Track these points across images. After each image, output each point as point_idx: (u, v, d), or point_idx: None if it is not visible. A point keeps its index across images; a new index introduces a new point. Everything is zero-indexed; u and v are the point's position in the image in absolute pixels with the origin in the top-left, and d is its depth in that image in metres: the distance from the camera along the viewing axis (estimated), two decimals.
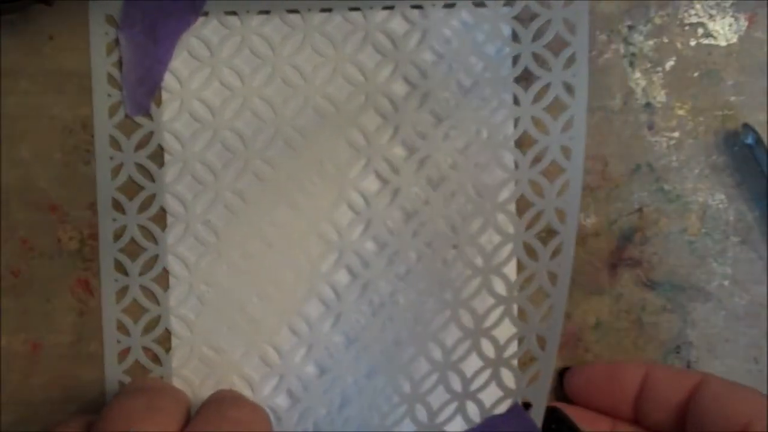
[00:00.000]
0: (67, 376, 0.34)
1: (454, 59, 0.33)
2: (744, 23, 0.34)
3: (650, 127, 0.34)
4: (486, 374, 0.32)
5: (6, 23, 0.34)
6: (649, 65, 0.34)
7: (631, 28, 0.34)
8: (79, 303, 0.34)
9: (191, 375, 0.33)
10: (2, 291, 0.34)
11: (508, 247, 0.32)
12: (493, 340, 0.32)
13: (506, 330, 0.32)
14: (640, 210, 0.34)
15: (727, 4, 0.34)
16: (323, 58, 0.33)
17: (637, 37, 0.34)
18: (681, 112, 0.34)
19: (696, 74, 0.34)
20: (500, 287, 0.32)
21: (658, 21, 0.34)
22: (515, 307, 0.32)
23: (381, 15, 0.33)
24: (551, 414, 0.31)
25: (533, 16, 0.32)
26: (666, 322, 0.34)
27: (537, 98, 0.32)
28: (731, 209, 0.34)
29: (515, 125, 0.33)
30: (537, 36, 0.32)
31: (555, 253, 0.32)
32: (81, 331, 0.34)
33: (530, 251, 0.32)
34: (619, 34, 0.34)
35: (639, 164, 0.34)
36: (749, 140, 0.33)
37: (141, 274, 0.33)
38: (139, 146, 0.33)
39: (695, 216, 0.34)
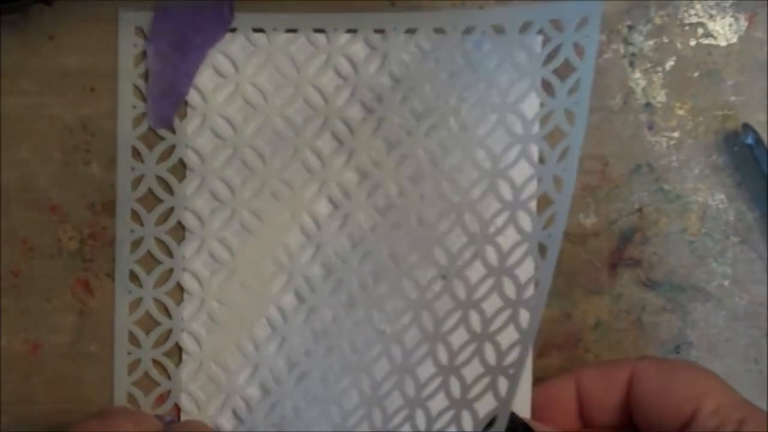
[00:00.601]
0: (67, 376, 0.34)
1: (465, 85, 0.32)
2: (744, 23, 0.34)
3: (650, 127, 0.34)
4: (449, 415, 0.30)
5: (6, 23, 0.34)
6: (649, 65, 0.34)
7: (631, 28, 0.34)
8: (79, 303, 0.34)
9: (198, 391, 0.33)
10: (2, 291, 0.34)
11: (490, 281, 0.31)
12: (461, 379, 0.31)
13: (474, 369, 0.30)
14: (640, 210, 0.34)
15: (727, 4, 0.34)
16: (343, 80, 0.33)
17: (637, 37, 0.34)
18: (681, 112, 0.34)
19: (696, 74, 0.34)
20: (476, 323, 0.31)
21: (658, 21, 0.34)
22: (487, 346, 0.30)
23: (401, 39, 0.33)
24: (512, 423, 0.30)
25: (545, 41, 0.31)
26: (666, 322, 0.34)
27: (541, 125, 0.31)
28: (731, 209, 0.34)
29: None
30: (546, 61, 0.31)
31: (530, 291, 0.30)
32: (81, 331, 0.34)
33: (509, 287, 0.31)
34: (619, 34, 0.34)
35: (639, 164, 0.34)
36: (749, 140, 0.33)
37: (155, 286, 0.33)
38: (161, 159, 0.33)
39: (695, 216, 0.34)
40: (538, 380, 0.32)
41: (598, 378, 0.31)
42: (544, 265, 0.29)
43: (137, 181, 0.33)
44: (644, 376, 0.30)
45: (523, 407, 0.32)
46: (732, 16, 0.34)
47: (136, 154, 0.33)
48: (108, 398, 0.34)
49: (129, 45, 0.33)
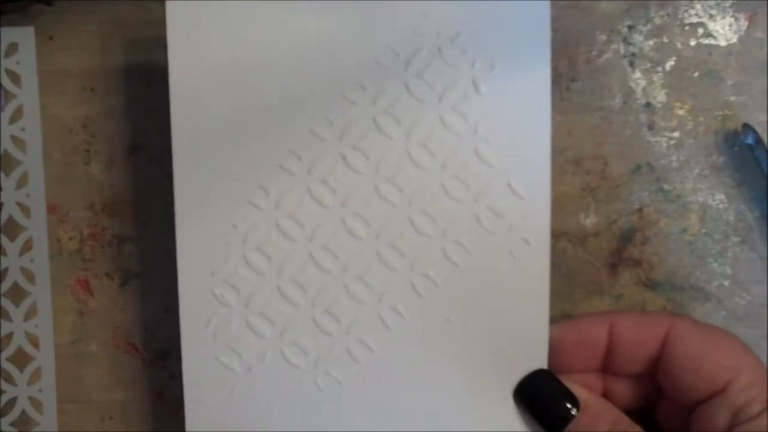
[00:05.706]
0: (67, 376, 0.34)
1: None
2: (744, 23, 0.34)
3: (650, 127, 0.34)
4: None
5: (6, 23, 0.34)
6: (649, 65, 0.34)
7: (631, 28, 0.34)
8: (79, 303, 0.34)
9: None
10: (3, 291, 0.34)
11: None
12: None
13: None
14: (640, 210, 0.34)
15: (727, 4, 0.34)
16: None
17: (637, 37, 0.34)
18: (681, 112, 0.34)
19: (696, 74, 0.34)
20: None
21: (658, 21, 0.34)
22: None
23: None
24: (536, 377, 0.30)
25: None
26: None
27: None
28: (731, 209, 0.34)
29: None
30: None
31: None
32: (81, 331, 0.34)
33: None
34: (619, 34, 0.34)
35: (639, 164, 0.34)
36: (749, 140, 0.33)
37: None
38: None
39: (695, 216, 0.34)
40: (568, 316, 0.33)
41: (635, 327, 0.30)
42: None
43: None
44: (682, 337, 0.29)
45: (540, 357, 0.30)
46: (732, 16, 0.34)
47: None
48: (107, 398, 0.34)
49: None
